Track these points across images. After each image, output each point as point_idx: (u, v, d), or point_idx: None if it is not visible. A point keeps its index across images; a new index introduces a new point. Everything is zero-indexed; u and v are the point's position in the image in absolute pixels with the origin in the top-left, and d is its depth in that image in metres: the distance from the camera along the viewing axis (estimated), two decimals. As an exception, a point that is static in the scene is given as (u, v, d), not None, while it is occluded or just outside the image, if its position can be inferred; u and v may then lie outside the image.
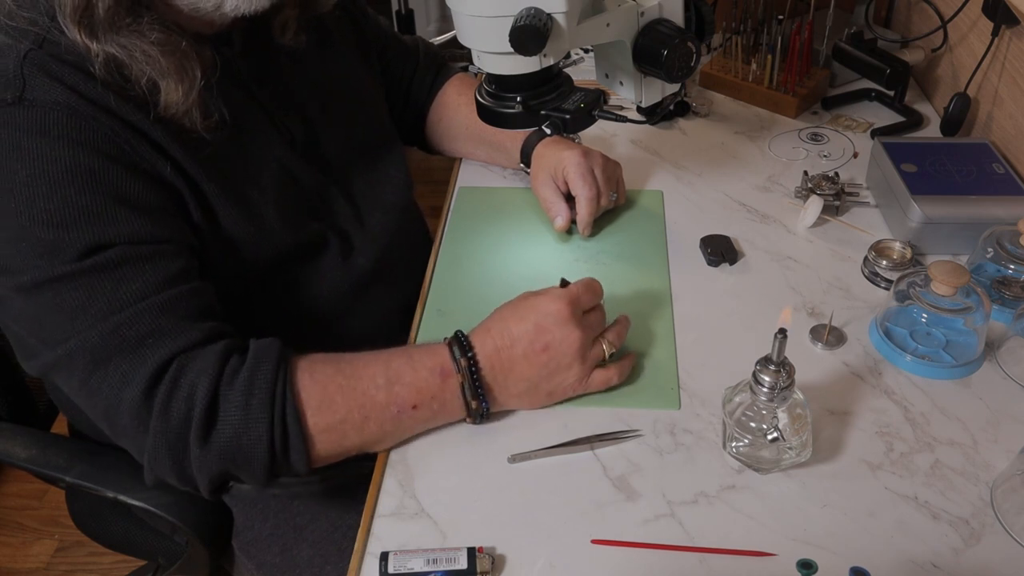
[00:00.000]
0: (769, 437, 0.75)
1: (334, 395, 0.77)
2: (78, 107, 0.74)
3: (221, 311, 0.82)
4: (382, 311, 0.87)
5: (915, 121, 1.31)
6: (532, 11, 0.76)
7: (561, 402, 0.86)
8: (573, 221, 1.08)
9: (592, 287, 0.84)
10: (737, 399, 0.78)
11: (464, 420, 0.83)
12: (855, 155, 1.26)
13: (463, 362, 0.79)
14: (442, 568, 0.70)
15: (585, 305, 0.83)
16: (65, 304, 0.73)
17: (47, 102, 0.73)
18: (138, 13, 0.76)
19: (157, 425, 0.74)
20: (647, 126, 1.31)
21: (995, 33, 1.18)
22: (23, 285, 0.73)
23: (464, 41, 0.82)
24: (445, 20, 2.85)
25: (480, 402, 0.80)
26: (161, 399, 0.74)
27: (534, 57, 0.80)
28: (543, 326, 0.80)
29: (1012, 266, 0.95)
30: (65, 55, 0.75)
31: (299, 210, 0.93)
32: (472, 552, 0.71)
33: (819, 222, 1.10)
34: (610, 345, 0.84)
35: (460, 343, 0.81)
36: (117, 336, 0.73)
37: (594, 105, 0.88)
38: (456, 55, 1.28)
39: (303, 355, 0.79)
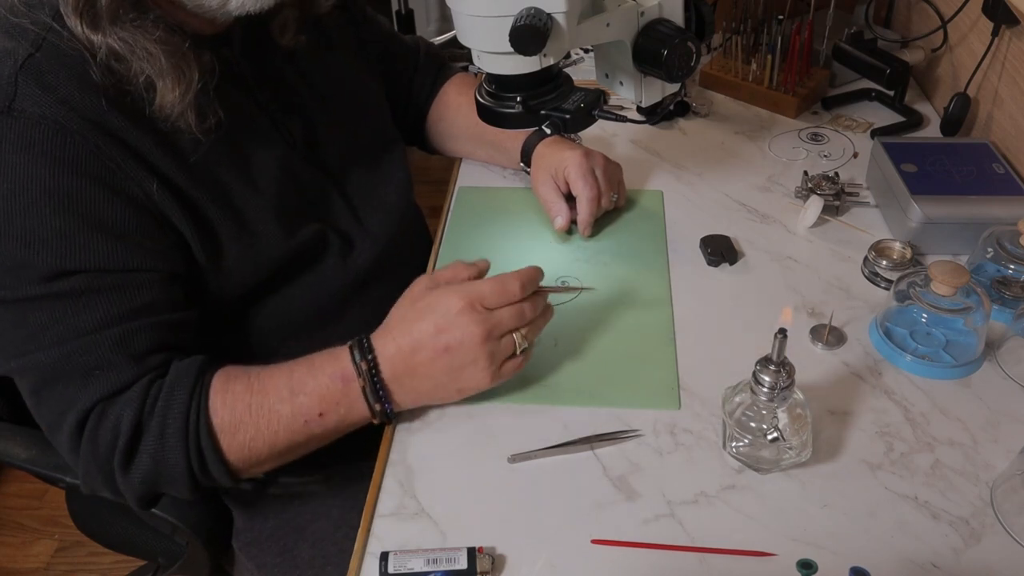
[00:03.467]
0: (769, 437, 0.75)
1: (243, 415, 0.79)
2: (66, 122, 0.73)
3: (187, 337, 0.84)
4: (382, 311, 0.87)
5: (915, 121, 1.31)
6: (532, 11, 0.76)
7: (557, 403, 0.86)
8: (573, 221, 1.08)
9: (502, 291, 0.80)
10: (737, 399, 0.78)
11: (372, 420, 0.83)
12: (855, 155, 1.26)
13: (363, 366, 0.80)
14: (442, 568, 0.70)
15: (490, 304, 0.80)
16: (25, 323, 0.76)
17: (35, 115, 0.72)
18: (141, 9, 0.76)
19: (87, 450, 0.78)
20: (647, 126, 1.31)
21: (995, 33, 1.18)
22: None
23: (464, 41, 0.82)
24: (445, 20, 2.84)
25: (383, 404, 0.81)
26: (91, 428, 0.78)
27: (534, 57, 0.80)
28: (441, 326, 0.79)
29: (1012, 266, 0.95)
30: (63, 57, 0.74)
31: (299, 211, 0.92)
32: (472, 552, 0.71)
33: (819, 222, 1.10)
34: (523, 339, 0.81)
35: (361, 346, 0.81)
36: (69, 362, 0.77)
37: (594, 105, 0.88)
38: (456, 55, 1.28)
39: (221, 370, 0.82)
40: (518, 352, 0.82)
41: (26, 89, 0.73)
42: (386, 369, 0.80)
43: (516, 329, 0.81)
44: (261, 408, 0.79)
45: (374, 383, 0.80)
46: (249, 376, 0.81)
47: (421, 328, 0.79)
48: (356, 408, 0.81)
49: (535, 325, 0.84)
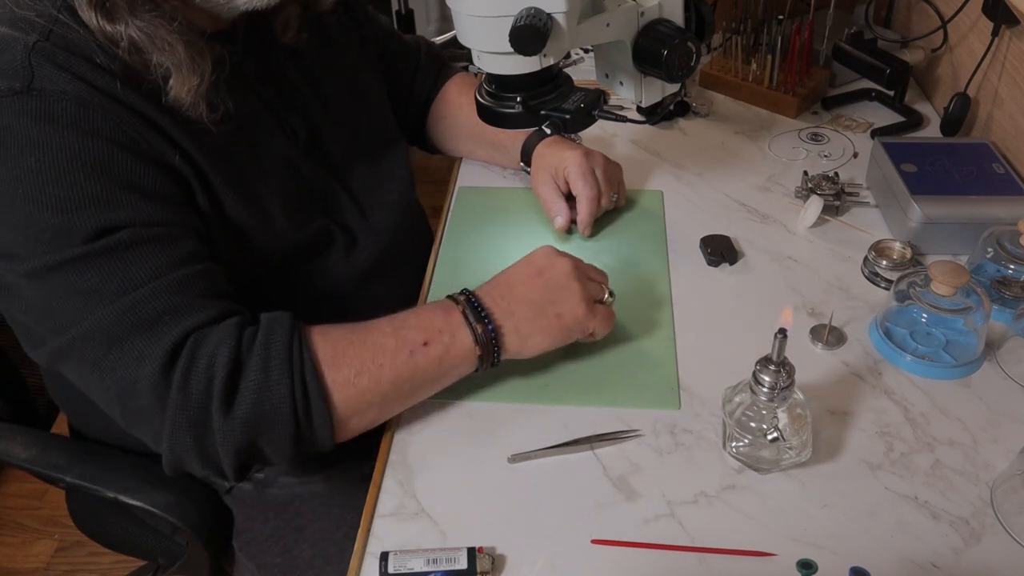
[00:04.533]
0: (769, 437, 0.75)
1: (346, 349, 0.78)
2: (86, 96, 0.73)
3: (233, 292, 0.82)
4: (384, 308, 0.87)
5: (915, 121, 1.31)
6: (532, 11, 0.76)
7: (557, 403, 0.86)
8: (573, 221, 1.08)
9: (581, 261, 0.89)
10: (737, 399, 0.78)
11: (478, 367, 0.83)
12: (855, 155, 1.26)
13: (461, 297, 0.83)
14: (442, 568, 0.70)
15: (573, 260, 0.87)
16: (77, 286, 0.72)
17: (55, 91, 0.72)
18: (157, 1, 0.76)
19: (177, 399, 0.73)
20: (647, 126, 1.31)
21: (995, 33, 1.18)
22: (33, 271, 0.73)
23: (464, 41, 0.82)
24: (445, 20, 2.84)
25: (485, 325, 0.81)
26: (180, 373, 0.73)
27: (534, 57, 0.80)
28: (531, 259, 0.86)
29: (1012, 266, 0.95)
30: (72, 46, 0.75)
31: (303, 206, 0.93)
32: (472, 552, 0.71)
33: (819, 222, 1.10)
34: (608, 293, 0.89)
35: (458, 293, 0.84)
36: (133, 314, 0.73)
37: (594, 105, 0.88)
38: (456, 55, 1.28)
39: (316, 324, 0.80)
40: (605, 299, 0.88)
41: (42, 71, 0.73)
42: (485, 296, 0.83)
43: (600, 283, 0.89)
44: (364, 343, 0.79)
45: (474, 305, 0.82)
46: (347, 324, 0.81)
47: (512, 269, 0.86)
48: (459, 336, 0.80)
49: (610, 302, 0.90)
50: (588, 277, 0.87)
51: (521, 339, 0.83)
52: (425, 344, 0.79)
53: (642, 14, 0.89)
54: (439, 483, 0.80)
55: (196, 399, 0.73)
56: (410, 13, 2.48)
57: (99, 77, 0.75)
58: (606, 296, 0.88)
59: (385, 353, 0.78)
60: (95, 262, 0.73)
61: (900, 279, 0.92)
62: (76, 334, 0.73)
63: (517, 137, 1.14)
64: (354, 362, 0.77)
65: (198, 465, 0.77)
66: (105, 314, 0.72)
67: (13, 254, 0.74)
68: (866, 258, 1.02)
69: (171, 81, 0.77)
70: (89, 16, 0.74)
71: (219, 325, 0.76)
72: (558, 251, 0.87)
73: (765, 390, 0.74)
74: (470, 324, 0.81)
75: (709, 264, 1.05)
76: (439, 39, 1.84)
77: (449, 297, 0.83)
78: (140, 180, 0.76)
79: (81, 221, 0.72)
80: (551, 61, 0.83)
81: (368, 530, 0.76)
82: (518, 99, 0.85)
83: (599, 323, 0.86)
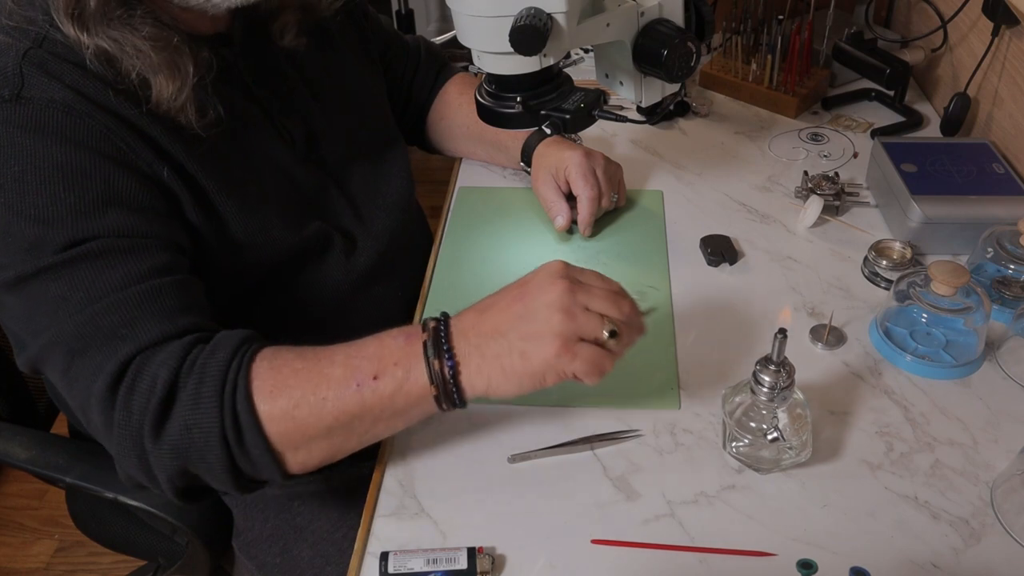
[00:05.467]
0: (769, 437, 0.75)
1: (288, 378, 0.71)
2: (75, 105, 0.73)
3: (208, 307, 0.79)
4: (384, 310, 0.86)
5: (915, 121, 1.31)
6: (532, 11, 0.76)
7: (557, 403, 0.86)
8: (573, 221, 1.08)
9: (601, 276, 0.74)
10: (737, 399, 0.78)
11: (439, 407, 0.72)
12: (855, 155, 1.26)
13: (431, 323, 0.72)
14: (442, 568, 0.70)
15: (585, 279, 0.73)
16: (47, 296, 0.72)
17: (44, 100, 0.73)
18: (130, 6, 0.76)
19: (121, 418, 0.71)
20: (647, 126, 1.31)
21: (995, 33, 1.18)
22: (8, 281, 0.73)
23: (464, 41, 0.82)
24: (445, 20, 2.84)
25: (444, 360, 0.69)
26: (124, 392, 0.70)
27: (534, 57, 0.80)
28: (526, 277, 0.73)
29: (1012, 266, 0.95)
30: (64, 53, 0.75)
31: (300, 210, 0.93)
32: (472, 552, 0.71)
33: (819, 222, 1.10)
34: (609, 329, 0.70)
35: (438, 315, 0.74)
36: (92, 326, 0.71)
37: (594, 105, 0.88)
38: (456, 55, 1.28)
39: (272, 346, 0.75)
40: (602, 337, 0.70)
41: (32, 79, 0.73)
42: (455, 324, 0.72)
43: (605, 316, 0.70)
44: (310, 372, 0.71)
45: (438, 337, 0.70)
46: (305, 348, 0.74)
47: (505, 290, 0.73)
48: (415, 371, 0.70)
49: (629, 328, 0.73)
50: (584, 308, 0.70)
51: (485, 380, 0.70)
52: (375, 378, 0.70)
53: (642, 14, 0.89)
54: (439, 483, 0.80)
55: (136, 420, 0.70)
56: (410, 13, 2.48)
57: (90, 85, 0.75)
58: (604, 334, 0.69)
59: (330, 385, 0.71)
60: (65, 271, 0.72)
61: (900, 279, 0.92)
62: (44, 342, 0.73)
63: (517, 137, 1.14)
64: (295, 393, 0.70)
65: (146, 481, 0.74)
66: (68, 325, 0.72)
67: None
68: (866, 258, 1.02)
69: (151, 87, 0.76)
70: (67, 27, 0.73)
71: (171, 343, 0.72)
72: (563, 270, 0.72)
73: (765, 390, 0.74)
74: (427, 359, 0.70)
75: (709, 264, 1.05)
76: (439, 39, 1.84)
77: (426, 320, 0.73)
78: (121, 191, 0.75)
79: (55, 233, 0.72)
80: (551, 61, 0.83)
81: (368, 530, 0.76)
82: (518, 99, 0.85)
83: (580, 366, 0.69)
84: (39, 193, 0.72)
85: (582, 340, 0.69)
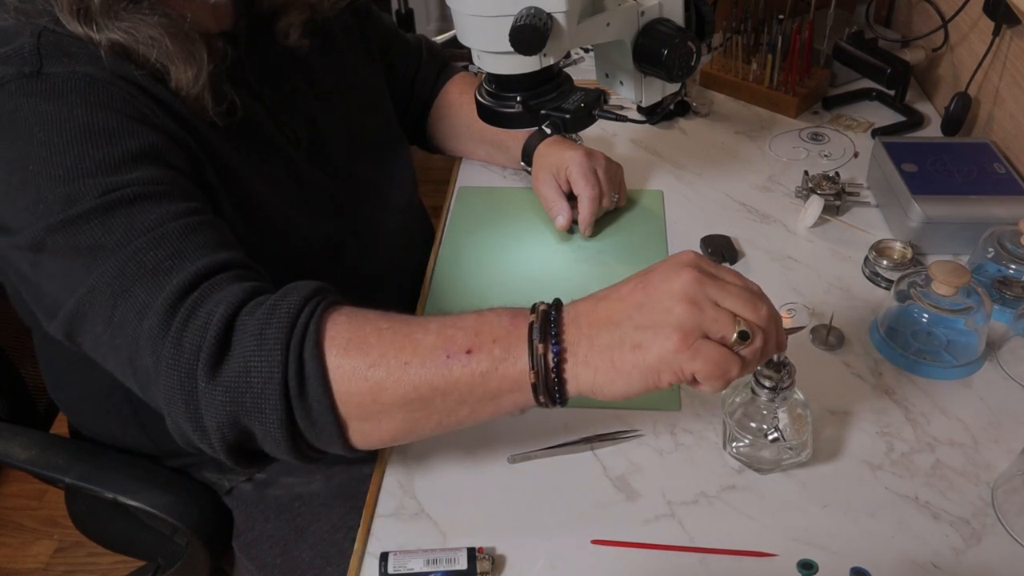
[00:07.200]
0: (769, 437, 0.75)
1: (369, 335, 0.64)
2: (97, 75, 0.73)
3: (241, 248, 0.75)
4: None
5: (916, 121, 1.31)
6: (532, 11, 0.76)
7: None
8: (574, 221, 1.08)
9: (740, 276, 0.65)
10: (737, 399, 0.78)
11: (538, 401, 0.64)
12: (855, 155, 1.26)
13: (542, 306, 0.64)
14: (442, 568, 0.70)
15: (722, 275, 0.64)
16: (82, 245, 0.68)
17: (65, 73, 0.72)
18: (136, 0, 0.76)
19: (170, 356, 0.64)
20: (647, 126, 1.31)
21: (996, 32, 1.18)
22: (40, 239, 0.70)
23: (464, 41, 0.82)
24: (445, 20, 2.84)
25: (549, 344, 0.62)
26: (176, 327, 0.64)
27: (534, 57, 0.80)
28: (654, 265, 0.65)
29: (1013, 266, 0.95)
30: (76, 39, 0.74)
31: (302, 211, 0.92)
32: (472, 552, 0.71)
33: (819, 222, 1.10)
34: (740, 330, 0.60)
35: (551, 301, 0.66)
36: (135, 263, 0.67)
37: (594, 105, 0.88)
38: (456, 55, 1.28)
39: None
40: (731, 338, 0.60)
41: (51, 56, 0.72)
42: (568, 310, 0.64)
43: (738, 316, 0.61)
44: (396, 333, 0.64)
45: (547, 320, 0.63)
46: (392, 313, 0.67)
47: (628, 278, 0.66)
48: (515, 352, 0.62)
49: (766, 335, 0.62)
50: (714, 303, 0.61)
51: (591, 374, 0.62)
52: (468, 352, 0.63)
53: (642, 13, 0.89)
54: (439, 483, 0.80)
55: (187, 357, 0.64)
56: (410, 13, 2.49)
57: (111, 62, 0.74)
58: (733, 336, 0.60)
59: (416, 350, 0.63)
60: (96, 219, 0.68)
61: (901, 279, 0.92)
62: (83, 292, 0.68)
63: (518, 137, 1.14)
64: (373, 351, 0.63)
65: (192, 434, 0.66)
66: (109, 266, 0.67)
67: (15, 229, 0.72)
68: (867, 258, 1.02)
69: (171, 74, 0.76)
70: (74, 25, 0.73)
71: (230, 284, 0.67)
72: (694, 259, 0.64)
73: (765, 390, 0.74)
74: (531, 341, 0.62)
75: (709, 264, 1.05)
76: (439, 39, 1.84)
77: (536, 303, 0.66)
78: (150, 148, 0.73)
79: (85, 186, 0.69)
80: (551, 61, 0.83)
81: (368, 530, 0.76)
82: (518, 99, 0.85)
83: (701, 366, 0.59)
84: (67, 153, 0.70)
85: (707, 338, 0.61)
